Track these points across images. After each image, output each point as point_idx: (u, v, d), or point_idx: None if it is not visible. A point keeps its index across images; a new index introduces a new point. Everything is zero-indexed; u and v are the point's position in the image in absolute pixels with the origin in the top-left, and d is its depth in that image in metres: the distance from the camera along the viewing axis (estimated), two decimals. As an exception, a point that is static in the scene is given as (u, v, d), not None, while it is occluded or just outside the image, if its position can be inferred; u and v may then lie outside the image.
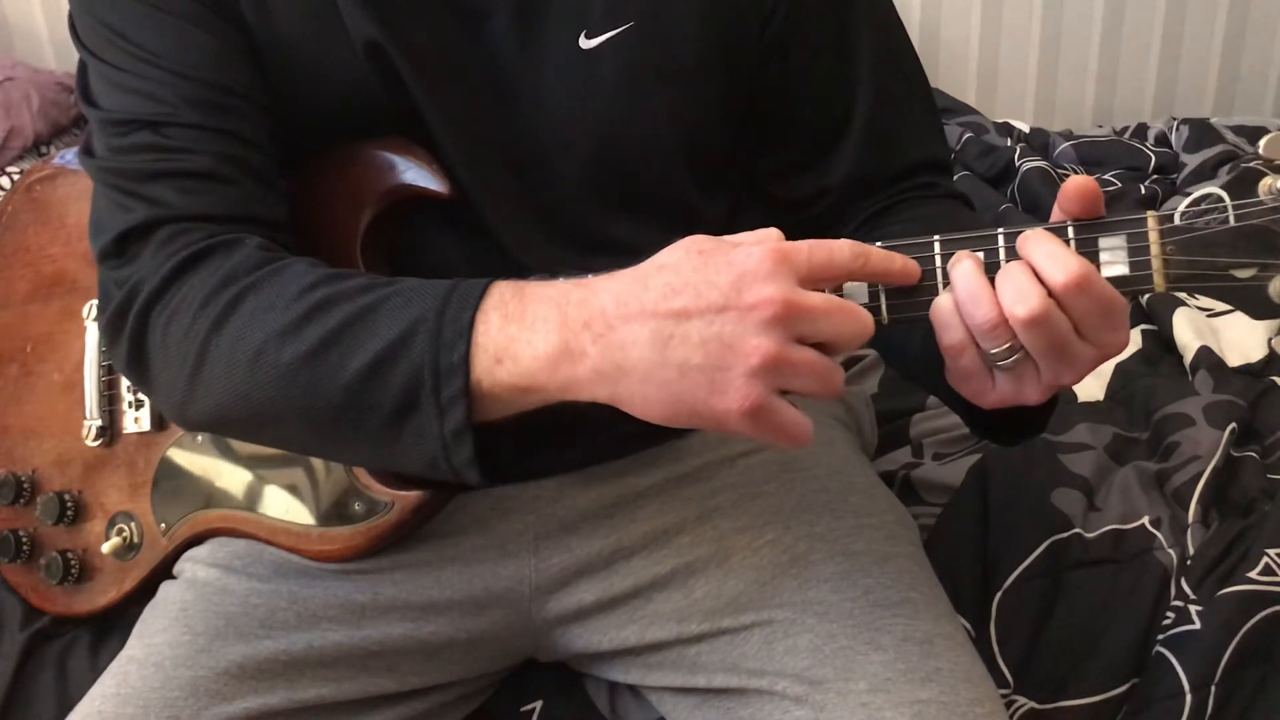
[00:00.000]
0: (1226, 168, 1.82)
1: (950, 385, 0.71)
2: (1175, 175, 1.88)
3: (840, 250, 0.67)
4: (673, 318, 0.64)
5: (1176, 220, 0.66)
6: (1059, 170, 1.89)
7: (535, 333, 0.67)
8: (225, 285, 0.74)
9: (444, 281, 0.71)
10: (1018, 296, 0.65)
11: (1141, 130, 2.10)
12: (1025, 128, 2.11)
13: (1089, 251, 0.67)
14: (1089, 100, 2.34)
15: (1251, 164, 1.70)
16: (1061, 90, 2.34)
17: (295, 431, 0.75)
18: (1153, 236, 0.67)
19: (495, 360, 0.67)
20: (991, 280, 0.67)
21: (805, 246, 0.66)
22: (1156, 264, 0.67)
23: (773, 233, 0.68)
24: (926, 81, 0.94)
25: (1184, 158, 1.91)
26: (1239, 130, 1.99)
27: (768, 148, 0.91)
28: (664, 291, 0.64)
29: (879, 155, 0.90)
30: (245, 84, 0.81)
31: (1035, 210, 1.77)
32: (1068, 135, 2.08)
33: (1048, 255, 0.66)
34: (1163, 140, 2.01)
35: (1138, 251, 0.67)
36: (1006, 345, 0.66)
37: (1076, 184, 0.67)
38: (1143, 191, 1.80)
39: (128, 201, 0.78)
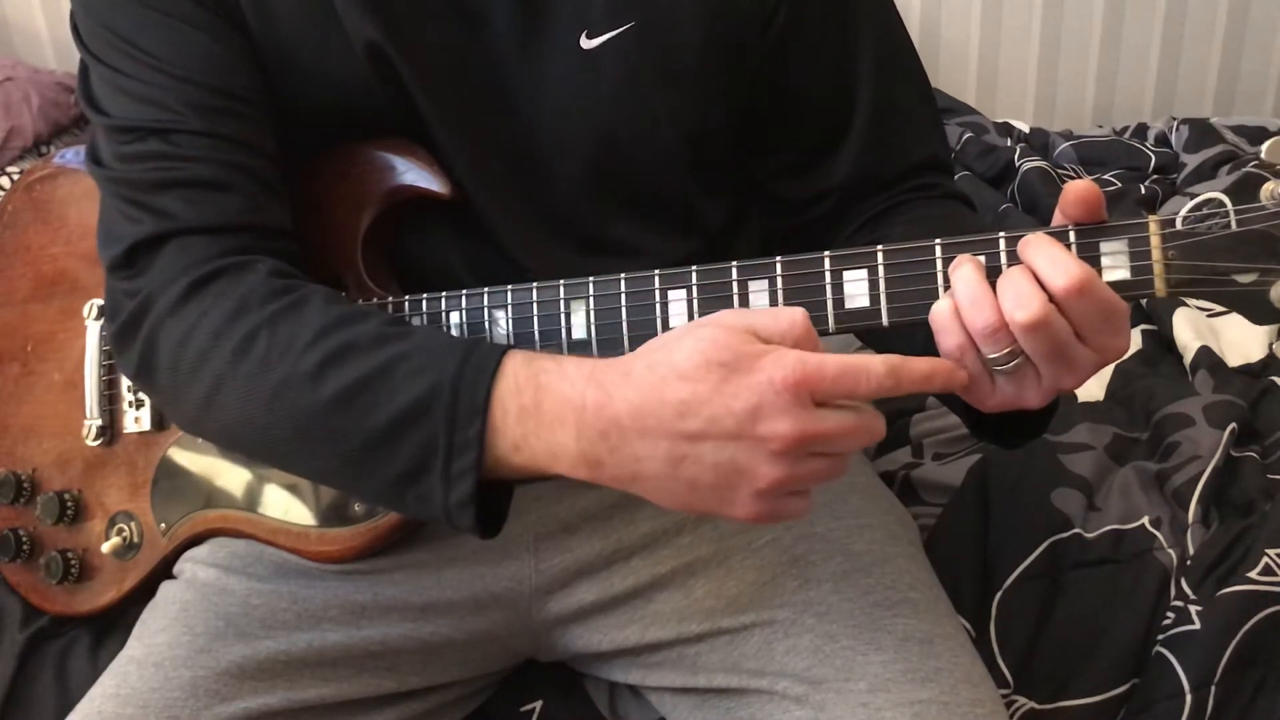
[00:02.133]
0: (1227, 168, 1.81)
1: None
2: (1175, 175, 1.87)
3: (870, 376, 0.64)
4: (687, 439, 0.64)
5: (1178, 225, 0.66)
6: (1059, 170, 1.89)
7: (553, 433, 0.67)
8: (239, 315, 0.74)
9: (458, 343, 0.71)
10: (1018, 301, 0.65)
11: (1141, 130, 2.09)
12: (1025, 128, 2.10)
13: (1090, 256, 0.67)
14: (1089, 100, 2.34)
15: (1253, 168, 1.70)
16: (1061, 90, 2.34)
17: (304, 469, 0.77)
18: (1154, 241, 0.66)
19: (513, 448, 0.69)
20: (992, 284, 0.67)
21: (830, 374, 0.63)
22: (1158, 269, 0.67)
23: (799, 322, 0.66)
24: (927, 81, 0.94)
25: (1184, 158, 1.91)
26: (1239, 130, 1.99)
27: (769, 148, 0.91)
28: (680, 409, 0.64)
29: (881, 156, 0.89)
30: (249, 88, 0.81)
31: (1035, 210, 1.76)
32: (1068, 135, 2.08)
33: (1049, 259, 0.66)
34: (1163, 140, 2.01)
35: (1139, 256, 0.67)
36: (1007, 350, 0.66)
37: (1078, 188, 0.67)
38: (1143, 192, 1.80)
39: (136, 213, 0.78)
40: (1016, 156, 1.89)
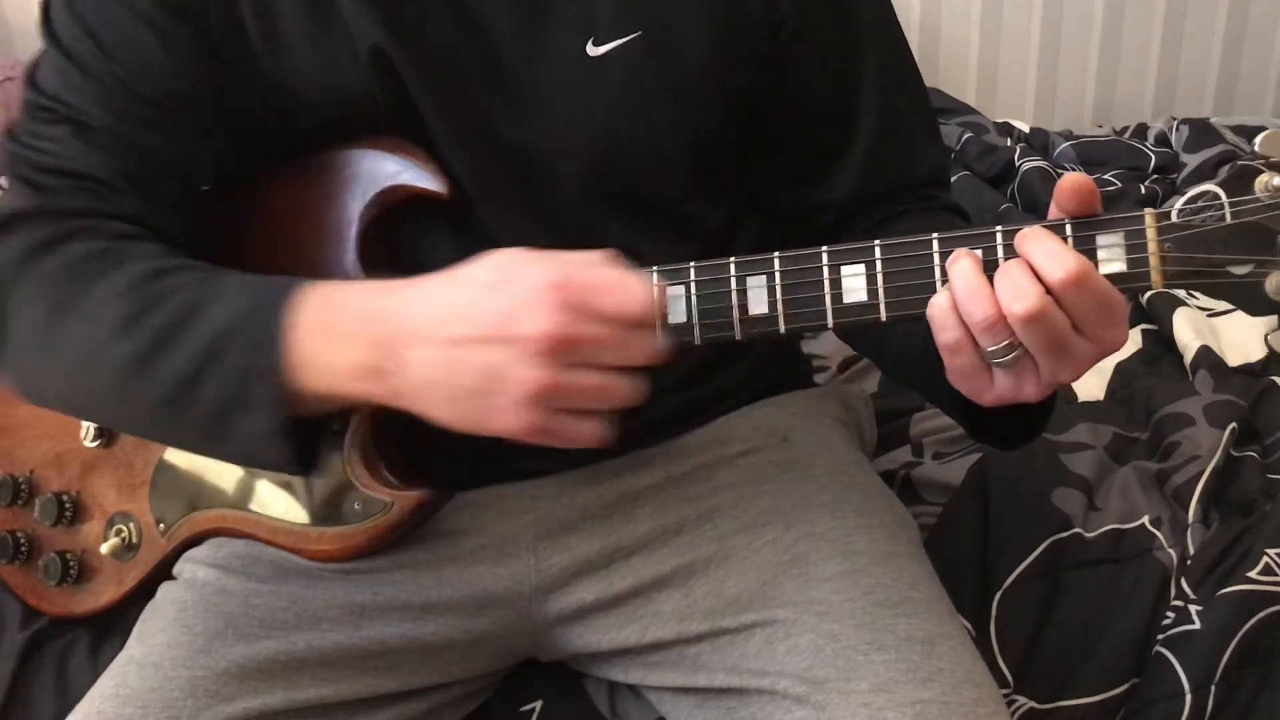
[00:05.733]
0: (1227, 168, 1.81)
1: (949, 384, 0.71)
2: (1175, 175, 1.87)
3: (631, 301, 0.67)
4: (452, 344, 0.68)
5: (1173, 217, 0.67)
6: (1059, 170, 1.89)
7: (340, 349, 0.71)
8: (70, 277, 0.77)
9: (259, 282, 0.75)
10: (1015, 294, 0.65)
11: (1141, 130, 2.10)
12: (1025, 128, 2.11)
13: (1087, 249, 0.68)
14: (1089, 100, 2.34)
15: (1248, 161, 1.70)
16: (1061, 90, 2.34)
17: (133, 424, 0.80)
18: (1150, 234, 0.67)
19: (307, 370, 0.71)
20: (990, 278, 0.67)
21: (598, 287, 0.67)
22: (1154, 261, 0.67)
23: (590, 258, 0.69)
24: (927, 95, 0.95)
25: (1184, 158, 1.91)
26: (1239, 130, 1.99)
27: (771, 158, 0.92)
28: (448, 316, 0.68)
29: (883, 172, 0.91)
30: (188, 101, 0.82)
31: (1035, 210, 1.77)
32: (1068, 135, 2.08)
33: (1045, 252, 0.66)
34: (1163, 140, 2.01)
35: (1135, 249, 0.67)
36: (1005, 343, 0.67)
37: (1072, 181, 0.68)
38: (1143, 191, 1.80)
39: (21, 188, 0.81)
40: (1016, 156, 1.89)
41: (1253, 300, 0.66)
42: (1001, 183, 1.89)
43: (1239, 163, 1.66)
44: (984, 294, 0.66)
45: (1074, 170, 1.93)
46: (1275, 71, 2.33)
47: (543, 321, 0.66)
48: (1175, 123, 2.02)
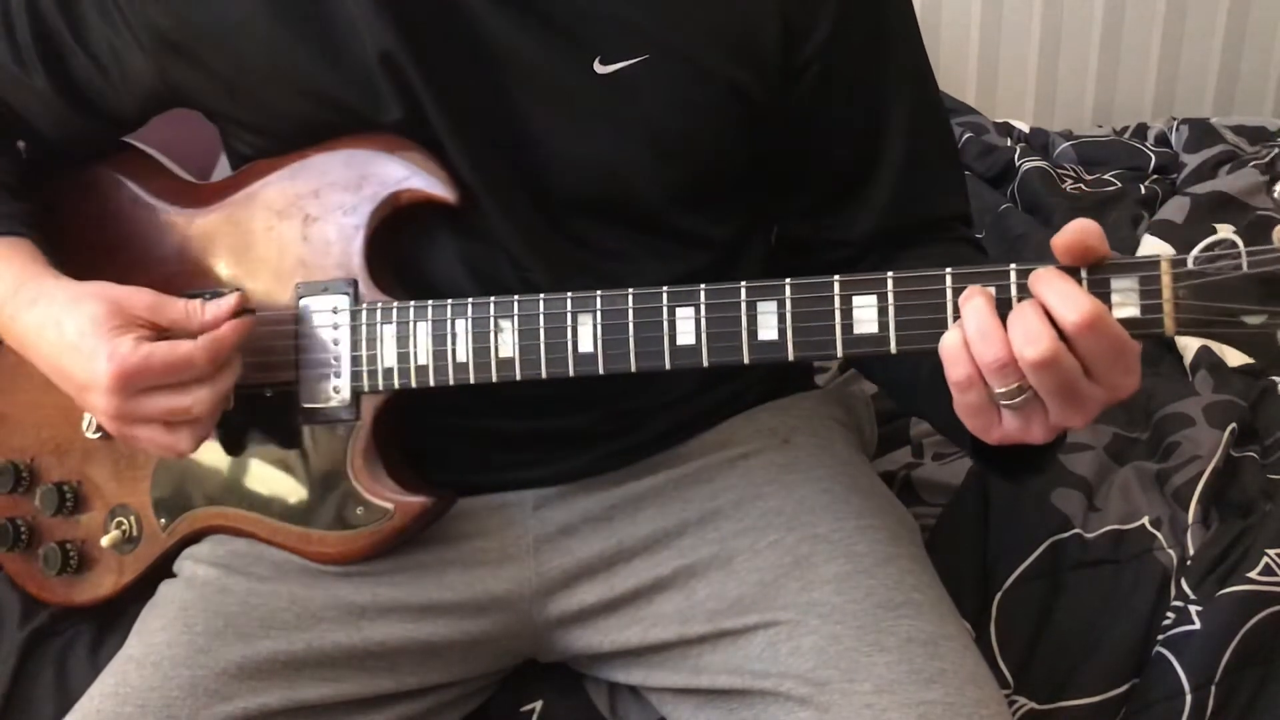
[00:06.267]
0: (1226, 168, 1.81)
1: (958, 417, 0.71)
2: (1175, 175, 1.87)
3: (194, 364, 0.80)
4: (53, 374, 0.84)
5: (1190, 264, 0.66)
6: (1059, 170, 1.89)
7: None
8: None
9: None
10: (1027, 337, 0.65)
11: (1141, 130, 2.09)
12: (1025, 128, 2.10)
13: (1101, 292, 0.67)
14: (1089, 100, 2.34)
15: (1266, 211, 1.69)
16: (1061, 90, 2.34)
17: None
18: (1165, 280, 0.66)
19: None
20: (1003, 317, 0.66)
21: (154, 370, 0.79)
22: (1168, 307, 0.66)
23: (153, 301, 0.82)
24: (953, 135, 0.95)
25: (1184, 158, 1.91)
26: (1239, 130, 1.99)
27: (791, 193, 0.92)
28: (49, 353, 0.83)
29: (903, 215, 0.91)
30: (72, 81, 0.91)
31: (1034, 210, 1.76)
32: (1068, 135, 2.08)
33: (1060, 294, 0.65)
34: (1163, 140, 2.01)
35: (1149, 294, 0.67)
36: (1015, 385, 0.66)
37: (1063, 245, 0.67)
38: (1143, 192, 1.80)
39: None
40: (1016, 156, 1.89)
41: (1264, 351, 0.66)
42: (1001, 183, 1.88)
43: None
44: (996, 335, 0.66)
45: (1074, 170, 1.93)
46: (1275, 71, 2.33)
47: (105, 403, 0.80)
48: (1175, 123, 2.02)
